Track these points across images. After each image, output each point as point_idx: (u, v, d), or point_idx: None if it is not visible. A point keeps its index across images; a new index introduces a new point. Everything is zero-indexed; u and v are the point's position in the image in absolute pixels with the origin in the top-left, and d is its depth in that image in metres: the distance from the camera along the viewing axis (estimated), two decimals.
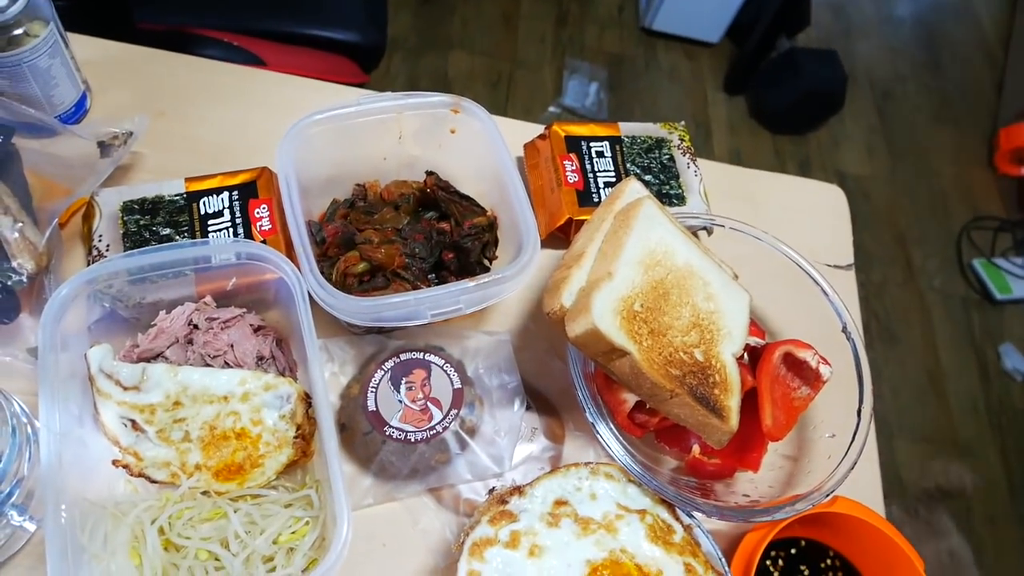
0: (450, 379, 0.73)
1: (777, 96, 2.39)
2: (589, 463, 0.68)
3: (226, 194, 0.77)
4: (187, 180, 0.78)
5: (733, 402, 0.68)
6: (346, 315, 0.67)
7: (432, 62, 2.33)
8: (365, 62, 1.49)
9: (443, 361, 0.74)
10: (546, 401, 0.78)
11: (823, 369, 0.75)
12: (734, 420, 0.67)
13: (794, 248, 0.81)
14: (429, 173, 0.81)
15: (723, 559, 0.66)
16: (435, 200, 0.80)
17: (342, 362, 0.77)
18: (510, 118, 0.95)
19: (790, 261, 0.81)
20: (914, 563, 0.69)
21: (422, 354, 0.75)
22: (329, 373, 0.76)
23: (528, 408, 0.77)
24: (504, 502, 0.64)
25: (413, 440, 0.70)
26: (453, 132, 0.81)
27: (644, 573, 0.62)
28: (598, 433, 0.67)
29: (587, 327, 0.62)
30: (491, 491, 0.65)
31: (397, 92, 0.78)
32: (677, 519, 0.67)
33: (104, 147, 0.77)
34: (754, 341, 0.77)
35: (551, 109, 2.30)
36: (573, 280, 0.68)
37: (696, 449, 0.75)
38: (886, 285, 2.28)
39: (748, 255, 0.82)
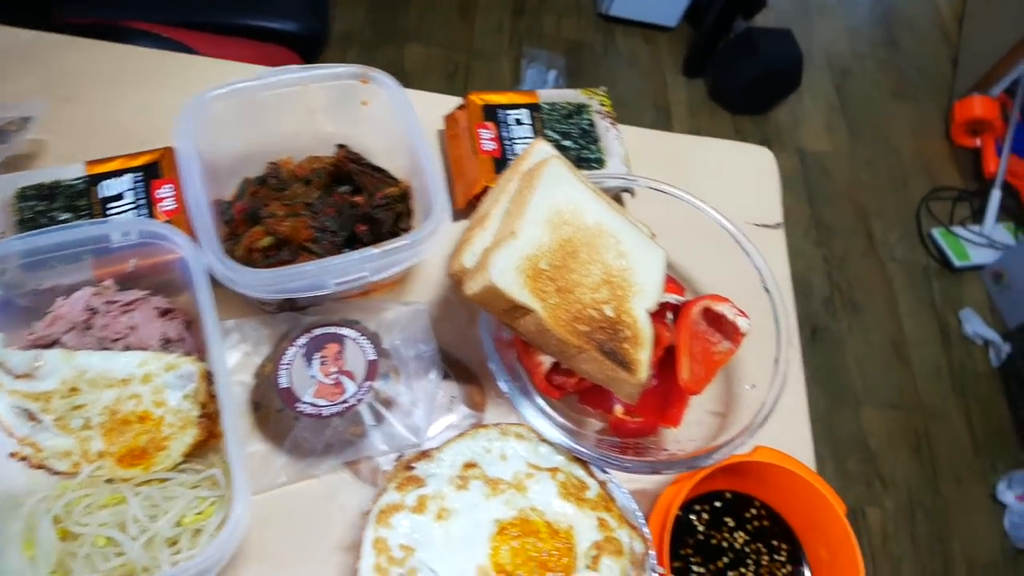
0: (364, 351, 0.72)
1: (735, 77, 2.40)
2: (499, 424, 0.67)
3: (128, 176, 0.76)
4: (88, 163, 0.76)
5: (643, 355, 0.67)
6: (247, 289, 0.66)
7: (388, 55, 2.31)
8: (305, 52, 1.48)
9: (357, 334, 0.74)
10: (465, 369, 0.77)
11: (740, 321, 0.75)
12: (643, 373, 0.66)
13: (714, 207, 0.81)
14: (340, 146, 0.80)
15: (639, 512, 0.65)
16: (348, 173, 0.79)
17: (256, 342, 0.75)
18: (449, 95, 0.94)
19: (711, 220, 0.80)
20: (835, 507, 0.69)
21: (336, 328, 0.74)
22: (243, 353, 0.75)
23: (446, 377, 0.76)
24: (411, 468, 0.63)
25: (326, 415, 0.69)
26: (365, 104, 0.80)
27: (554, 529, 0.61)
28: (508, 395, 0.67)
29: (483, 284, 0.61)
30: (398, 458, 0.64)
31: (304, 65, 0.77)
32: (591, 475, 0.66)
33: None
34: (674, 299, 0.77)
35: None
36: (476, 241, 0.67)
37: (619, 409, 0.75)
38: (848, 257, 2.29)
39: (673, 216, 0.82)
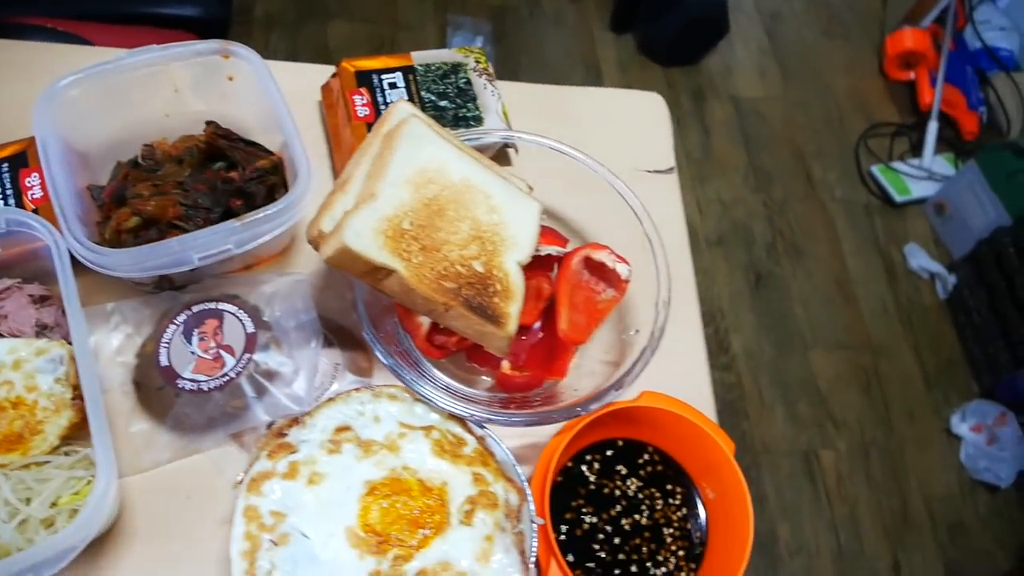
0: (243, 324, 0.72)
1: (660, 29, 2.39)
2: (371, 386, 0.67)
3: None
4: None
5: (513, 308, 0.68)
6: (112, 269, 0.66)
7: (312, 34, 2.28)
8: (209, 36, 1.45)
9: (236, 308, 0.73)
10: (350, 336, 0.78)
11: (620, 268, 0.75)
12: (512, 326, 0.67)
13: (593, 156, 0.81)
14: (209, 123, 0.79)
15: (517, 466, 0.66)
16: (221, 150, 0.79)
17: (138, 322, 0.75)
18: (324, 64, 0.93)
19: (589, 169, 0.80)
20: (722, 448, 0.70)
21: (214, 304, 0.74)
22: (125, 335, 0.75)
23: (330, 345, 0.76)
24: (283, 435, 0.64)
25: (206, 389, 0.69)
26: (231, 79, 0.79)
27: (427, 487, 0.62)
28: (385, 364, 0.67)
29: (336, 248, 0.61)
30: (270, 426, 0.64)
31: (162, 44, 0.76)
32: (469, 431, 0.67)
33: None
34: (556, 250, 0.77)
35: None
36: (336, 205, 0.67)
37: (505, 364, 0.75)
38: (788, 201, 2.31)
39: (557, 169, 0.82)
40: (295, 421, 0.64)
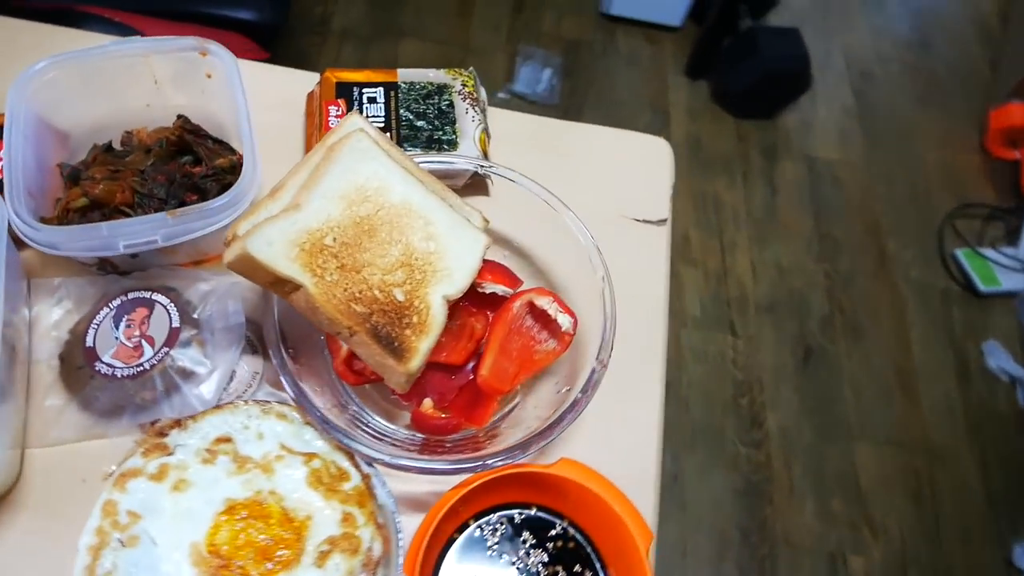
0: (170, 318, 0.72)
1: (737, 78, 2.32)
2: (262, 401, 0.64)
3: None
4: None
5: (424, 344, 0.64)
6: (40, 244, 0.66)
7: (383, 50, 2.33)
8: (263, 40, 1.49)
9: (168, 301, 0.73)
10: None
11: (561, 319, 0.71)
12: (415, 363, 0.63)
13: (559, 195, 0.76)
14: (179, 116, 0.79)
15: (397, 514, 0.62)
16: (189, 145, 0.79)
17: (79, 300, 0.75)
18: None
19: (550, 208, 0.76)
20: (634, 539, 0.64)
21: (150, 293, 0.73)
22: (65, 310, 0.75)
23: (254, 351, 0.74)
24: (163, 434, 0.62)
25: (119, 376, 0.69)
26: (209, 77, 0.79)
27: (288, 517, 0.59)
28: (283, 375, 0.64)
29: (238, 253, 0.59)
30: (153, 423, 0.62)
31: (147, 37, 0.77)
32: (356, 467, 0.63)
33: None
34: (502, 290, 0.73)
35: (500, 95, 2.27)
36: (262, 212, 0.65)
37: (428, 403, 0.71)
38: (854, 276, 2.17)
39: (531, 205, 0.78)
40: (177, 423, 0.62)
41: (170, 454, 0.61)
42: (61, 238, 0.66)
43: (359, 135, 0.68)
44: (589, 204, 0.87)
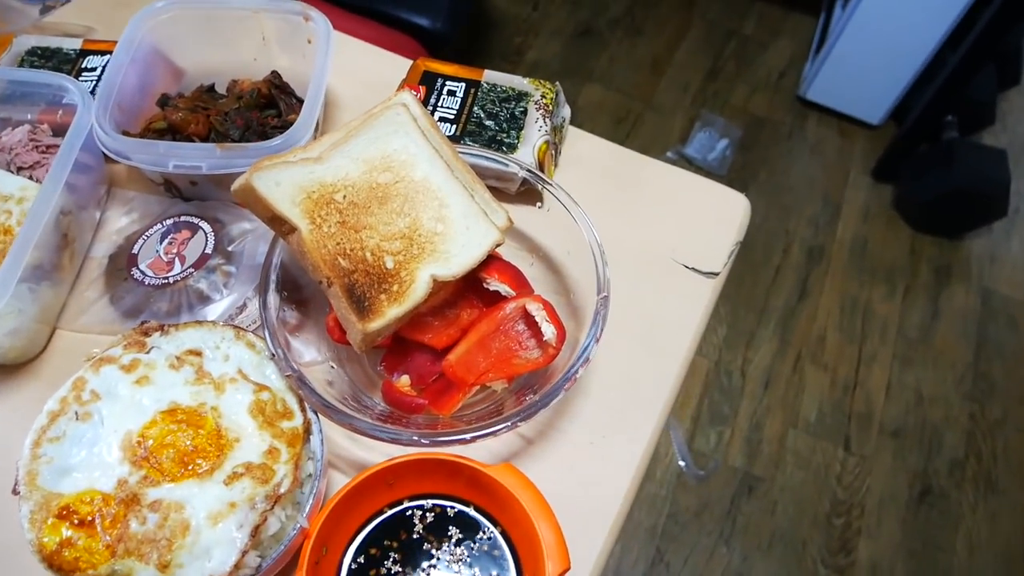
0: (205, 244, 0.78)
1: (924, 188, 2.14)
2: (238, 327, 0.68)
3: (109, 56, 0.88)
4: (85, 41, 0.90)
5: (393, 311, 0.65)
6: (106, 147, 0.75)
7: (566, 89, 2.38)
8: (430, 47, 1.59)
9: (211, 230, 0.79)
10: (297, 292, 0.79)
11: (545, 327, 0.69)
12: (376, 324, 0.64)
13: (591, 225, 0.74)
14: (273, 72, 0.86)
15: (322, 464, 0.63)
16: (275, 99, 0.86)
17: (144, 214, 0.84)
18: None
19: (573, 220, 0.74)
20: (543, 561, 0.60)
21: (198, 220, 0.80)
22: (131, 219, 0.85)
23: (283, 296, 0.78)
24: (146, 335, 0.67)
25: (146, 283, 0.76)
26: (310, 42, 0.86)
27: (219, 434, 0.61)
28: (262, 312, 0.67)
29: (242, 183, 0.63)
30: (143, 322, 0.68)
31: None
32: (303, 411, 0.65)
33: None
34: (504, 290, 0.73)
35: (668, 154, 2.25)
36: (290, 156, 0.69)
37: (404, 379, 0.72)
38: (1004, 425, 1.92)
39: (570, 224, 0.77)
40: (161, 327, 0.67)
41: (146, 352, 0.65)
42: (126, 147, 0.75)
43: (399, 108, 0.71)
44: (643, 241, 0.86)
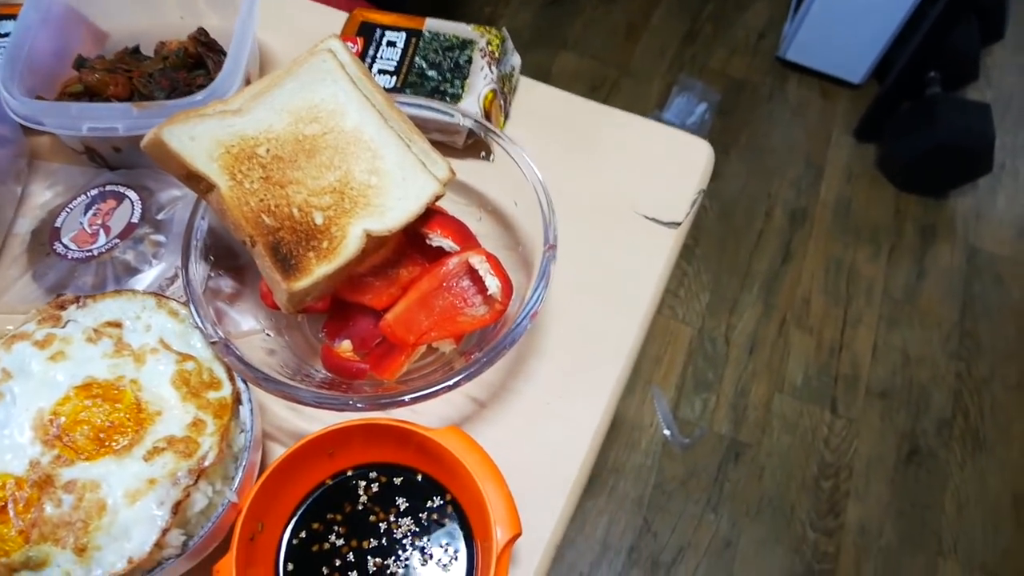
0: (132, 213, 0.73)
1: (906, 146, 2.09)
2: (160, 295, 0.64)
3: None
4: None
5: (321, 269, 0.61)
6: (15, 112, 0.70)
7: (538, 58, 2.33)
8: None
9: (138, 198, 0.75)
10: (230, 258, 0.74)
11: (489, 281, 0.65)
12: (304, 283, 0.59)
13: (536, 169, 0.70)
14: (198, 29, 0.81)
15: (253, 435, 0.59)
16: (202, 58, 0.81)
17: (68, 186, 0.80)
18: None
19: (520, 171, 0.70)
20: (490, 526, 0.56)
21: (124, 189, 0.76)
22: (54, 194, 0.80)
23: (205, 260, 0.74)
24: (62, 308, 0.62)
25: (70, 257, 0.72)
26: None
27: (139, 408, 0.57)
28: (183, 276, 0.63)
29: (151, 137, 0.59)
30: (58, 296, 0.63)
31: None
32: (232, 380, 0.61)
33: None
34: (448, 245, 0.69)
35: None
36: (207, 110, 0.64)
37: (346, 344, 0.68)
38: (991, 383, 1.89)
39: (519, 176, 0.73)
40: (77, 299, 0.62)
41: (61, 326, 0.61)
42: (35, 111, 0.70)
43: (325, 55, 0.67)
44: (601, 192, 0.82)
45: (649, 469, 1.72)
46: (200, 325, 0.60)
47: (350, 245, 0.62)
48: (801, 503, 1.71)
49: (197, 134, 0.60)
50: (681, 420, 1.79)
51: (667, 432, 1.77)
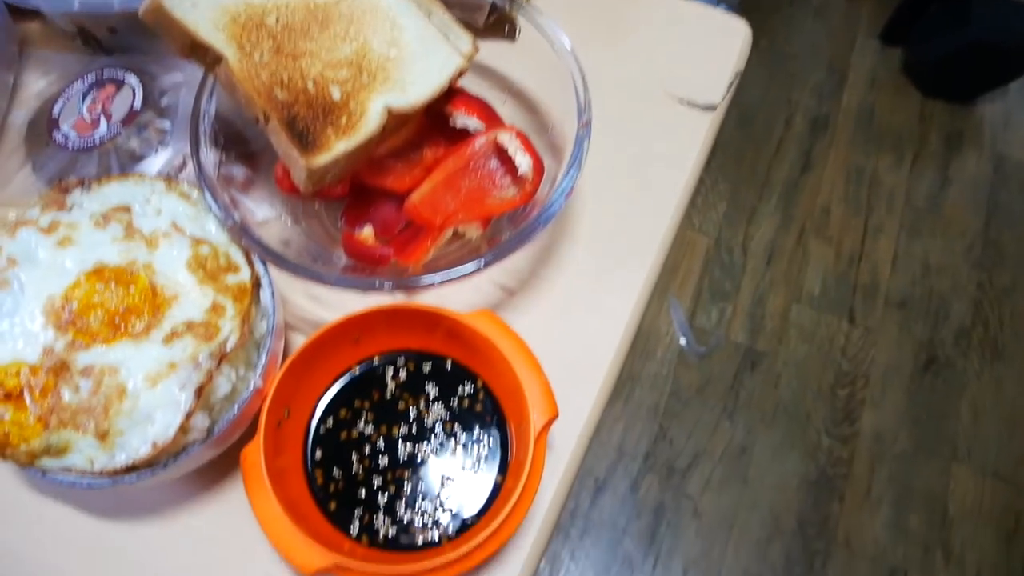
0: (133, 99, 0.69)
1: (933, 47, 2.01)
2: (169, 178, 0.60)
3: None
4: None
5: (340, 145, 0.57)
6: None
7: None
8: None
9: (139, 83, 0.70)
10: (241, 141, 0.70)
11: (520, 159, 0.61)
12: (323, 158, 0.56)
13: (568, 43, 0.65)
14: None
15: (275, 320, 0.56)
16: None
17: (63, 74, 0.75)
18: None
19: (551, 48, 0.65)
20: (528, 410, 0.54)
21: (123, 73, 0.71)
22: (48, 82, 0.75)
23: (215, 144, 0.70)
24: (66, 192, 0.59)
25: (71, 147, 0.68)
26: None
27: (155, 291, 0.54)
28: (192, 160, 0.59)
29: (150, 4, 0.54)
30: (61, 180, 0.60)
31: None
32: (250, 264, 0.58)
33: None
34: (474, 124, 0.65)
35: None
36: None
37: (368, 231, 0.65)
38: (1013, 293, 1.86)
39: (548, 57, 0.68)
40: (82, 183, 0.59)
41: (67, 211, 0.57)
42: None
43: None
44: (632, 75, 0.77)
45: (665, 378, 1.71)
46: (215, 209, 0.57)
47: (370, 121, 0.58)
48: (817, 411, 1.70)
49: (200, 1, 0.56)
50: (697, 329, 1.77)
51: (683, 341, 1.75)
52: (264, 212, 0.66)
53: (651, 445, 1.64)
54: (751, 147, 2.01)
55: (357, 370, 0.61)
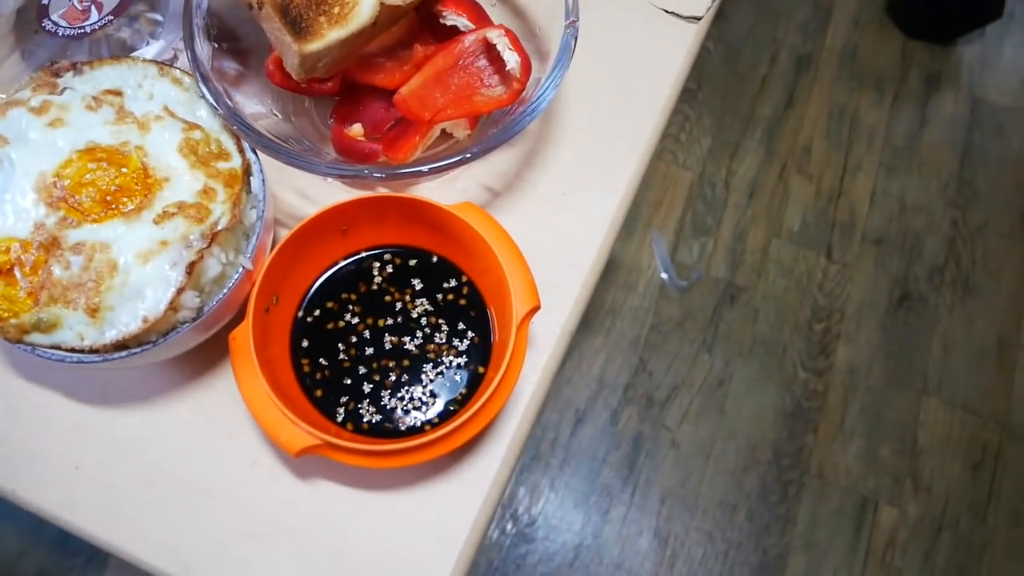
0: None
1: None
2: (163, 63, 0.60)
3: None
4: None
5: (333, 34, 0.57)
6: None
7: None
8: None
9: None
10: (233, 35, 0.70)
11: (508, 56, 0.62)
12: (316, 45, 0.56)
13: None
14: None
15: (265, 206, 0.57)
16: None
17: None
18: None
19: None
20: (511, 301, 0.56)
21: None
22: None
23: (208, 37, 0.69)
24: (57, 75, 0.59)
25: (61, 35, 0.68)
26: None
27: (146, 173, 0.55)
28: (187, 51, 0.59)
29: None
30: (53, 63, 0.60)
31: None
32: (241, 152, 0.58)
33: None
34: (463, 23, 0.65)
35: None
36: None
37: (357, 128, 0.66)
38: (985, 231, 1.90)
39: None
40: (74, 66, 0.59)
41: (58, 93, 0.58)
42: None
43: None
44: None
45: (646, 311, 1.74)
46: (207, 95, 0.57)
47: (363, 12, 0.58)
48: (793, 344, 1.74)
49: None
50: (679, 264, 1.80)
51: (664, 275, 1.78)
52: (254, 107, 0.66)
53: (631, 377, 1.68)
54: (736, 83, 2.01)
55: (344, 264, 0.63)
